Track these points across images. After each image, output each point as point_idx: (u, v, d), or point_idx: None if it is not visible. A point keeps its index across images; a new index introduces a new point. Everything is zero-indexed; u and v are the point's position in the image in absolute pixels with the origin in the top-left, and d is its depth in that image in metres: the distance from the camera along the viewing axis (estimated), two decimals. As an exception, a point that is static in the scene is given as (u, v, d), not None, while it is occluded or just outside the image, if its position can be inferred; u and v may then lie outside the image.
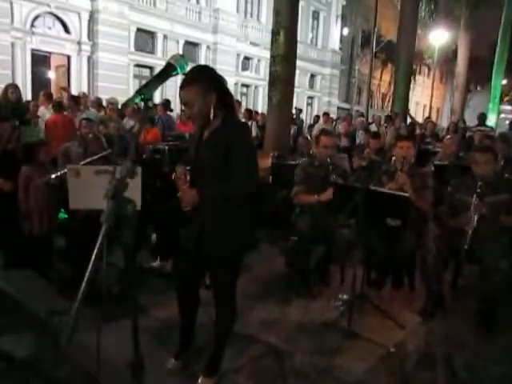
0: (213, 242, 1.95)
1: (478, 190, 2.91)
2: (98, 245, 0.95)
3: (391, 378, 2.32)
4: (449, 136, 5.49)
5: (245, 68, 19.23)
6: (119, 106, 6.75)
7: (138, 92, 1.10)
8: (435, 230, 3.07)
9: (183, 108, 1.90)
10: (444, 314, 3.04)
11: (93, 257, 0.95)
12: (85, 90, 13.37)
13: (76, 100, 6.23)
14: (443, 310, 3.06)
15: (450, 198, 3.15)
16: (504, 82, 18.72)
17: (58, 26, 13.35)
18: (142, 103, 1.07)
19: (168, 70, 1.20)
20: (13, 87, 5.73)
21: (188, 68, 1.22)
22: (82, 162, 3.34)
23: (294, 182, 3.47)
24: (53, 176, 3.22)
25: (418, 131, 8.69)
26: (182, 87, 1.85)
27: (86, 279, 0.93)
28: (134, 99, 1.10)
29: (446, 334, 2.81)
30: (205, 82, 1.85)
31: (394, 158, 3.39)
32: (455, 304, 3.21)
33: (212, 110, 1.85)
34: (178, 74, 1.21)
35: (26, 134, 4.66)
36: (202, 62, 17.04)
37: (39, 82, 12.71)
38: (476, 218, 2.87)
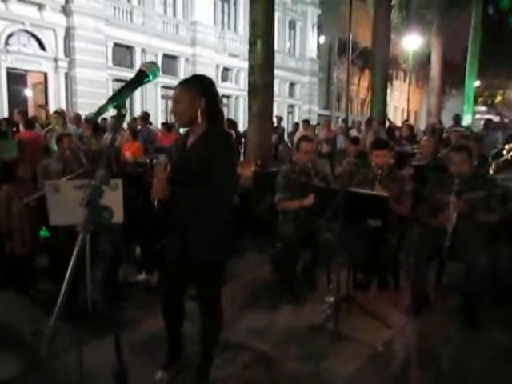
0: (197, 250, 1.95)
1: (456, 188, 2.98)
2: (74, 255, 0.95)
3: (380, 377, 2.34)
4: (425, 137, 5.62)
5: (224, 79, 19.35)
6: (99, 121, 6.71)
7: (111, 100, 1.11)
8: (416, 229, 3.13)
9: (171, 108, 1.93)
10: (429, 311, 3.08)
11: (69, 268, 0.94)
12: (63, 106, 13.27)
13: (63, 116, 6.13)
14: (428, 308, 3.11)
15: (429, 198, 3.21)
16: (477, 83, 19.27)
17: (34, 43, 13.21)
18: (116, 111, 1.08)
19: (140, 77, 1.21)
20: None
21: (159, 75, 1.23)
22: (63, 179, 3.31)
23: (277, 188, 3.49)
24: (34, 197, 3.18)
25: (397, 134, 8.87)
26: (178, 85, 1.93)
27: (64, 288, 0.91)
28: (106, 107, 1.10)
29: (431, 332, 2.85)
30: (198, 86, 1.92)
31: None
32: (440, 302, 3.26)
33: (199, 115, 1.89)
34: (149, 81, 1.22)
35: (3, 148, 4.58)
36: (182, 74, 17.09)
37: (16, 100, 12.52)
38: (455, 216, 2.94)
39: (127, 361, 2.17)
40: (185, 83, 1.94)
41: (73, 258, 0.95)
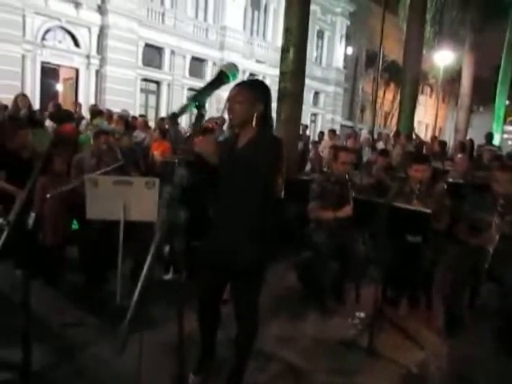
0: (243, 253, 1.92)
1: (499, 209, 2.89)
2: (151, 253, 0.92)
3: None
4: (459, 155, 5.50)
5: (250, 84, 19.42)
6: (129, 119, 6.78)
7: (193, 99, 1.09)
8: (455, 248, 3.04)
9: (226, 105, 1.89)
10: (464, 333, 2.98)
11: (145, 269, 0.92)
12: (92, 102, 13.52)
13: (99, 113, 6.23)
14: (462, 330, 3.01)
15: (469, 216, 3.12)
16: (507, 102, 18.86)
17: (68, 39, 13.55)
18: (196, 110, 1.06)
19: (220, 78, 1.20)
20: (22, 96, 5.80)
21: (238, 76, 1.22)
22: (98, 172, 3.34)
23: (310, 197, 3.44)
24: (59, 190, 3.20)
25: (424, 151, 8.72)
26: (239, 85, 1.91)
27: (138, 291, 0.89)
28: (188, 106, 1.09)
29: (466, 355, 2.75)
30: (260, 91, 1.92)
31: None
32: (475, 324, 3.15)
33: (254, 119, 1.88)
34: (229, 81, 1.21)
35: (38, 138, 4.65)
36: (208, 77, 17.25)
37: (47, 94, 12.83)
38: (497, 237, 2.84)
39: (155, 361, 2.17)
40: (246, 85, 1.93)
41: (148, 258, 0.92)
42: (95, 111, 6.02)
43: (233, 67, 1.21)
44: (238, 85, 1.91)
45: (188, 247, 3.45)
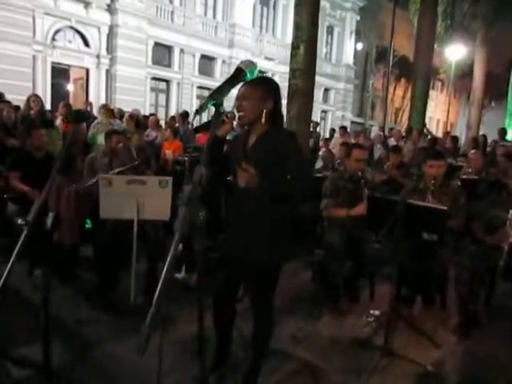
0: (260, 251, 1.91)
1: (516, 206, 2.85)
2: (171, 252, 0.92)
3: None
4: (473, 151, 5.41)
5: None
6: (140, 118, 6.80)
7: (211, 97, 1.09)
8: (471, 246, 2.99)
9: (236, 104, 1.89)
10: (479, 332, 2.94)
11: (166, 265, 0.92)
12: (103, 101, 13.61)
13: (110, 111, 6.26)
14: (478, 329, 2.97)
15: (485, 214, 3.07)
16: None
17: (78, 39, 13.64)
18: (214, 108, 1.05)
19: (238, 75, 1.19)
20: (34, 97, 5.86)
21: (256, 73, 1.20)
22: (112, 172, 3.35)
23: (324, 194, 3.42)
24: (82, 186, 3.24)
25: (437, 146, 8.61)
26: (247, 82, 1.86)
27: (158, 291, 0.89)
28: (206, 104, 1.08)
29: (483, 355, 2.71)
30: (270, 89, 1.91)
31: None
32: (490, 323, 3.11)
33: (264, 115, 1.87)
34: (246, 79, 1.19)
35: (52, 137, 4.70)
36: (218, 75, 17.25)
37: (58, 94, 12.94)
38: (513, 234, 2.80)
39: (169, 360, 2.17)
40: (255, 82, 1.91)
41: (168, 258, 0.92)
42: (107, 110, 6.06)
43: (251, 64, 1.20)
44: (246, 82, 1.89)
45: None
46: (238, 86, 1.72)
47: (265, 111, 1.87)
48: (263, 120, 1.88)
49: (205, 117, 12.41)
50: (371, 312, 3.04)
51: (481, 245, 3.01)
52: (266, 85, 1.92)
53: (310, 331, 2.88)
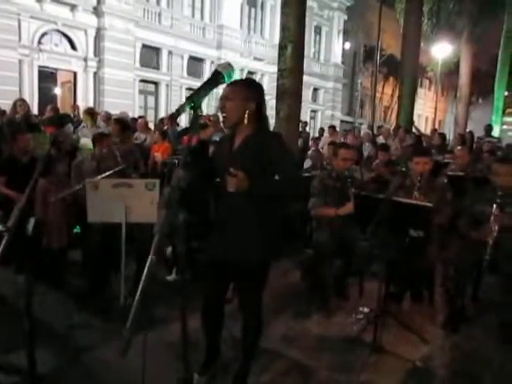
0: (247, 251, 1.92)
1: (499, 201, 2.88)
2: (150, 256, 0.93)
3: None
4: (459, 147, 5.47)
5: (248, 82, 19.39)
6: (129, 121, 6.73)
7: (189, 99, 1.09)
8: (456, 242, 3.03)
9: (220, 105, 1.92)
10: (467, 327, 2.98)
11: (145, 271, 0.92)
12: (91, 105, 13.51)
13: (93, 114, 6.22)
14: (466, 324, 3.01)
15: (470, 210, 3.11)
16: (506, 93, 18.80)
17: (65, 42, 13.53)
18: (192, 111, 1.06)
19: (216, 78, 1.19)
20: (21, 101, 5.82)
21: (234, 76, 1.21)
22: (99, 177, 3.34)
23: (311, 194, 3.43)
24: (72, 190, 3.22)
25: (424, 144, 8.69)
26: (230, 84, 1.88)
27: (139, 293, 0.89)
28: (184, 107, 1.09)
29: (471, 349, 2.75)
30: (252, 90, 1.92)
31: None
32: (477, 317, 3.15)
33: (246, 117, 1.88)
34: (224, 81, 1.20)
35: (39, 141, 4.65)
36: (206, 77, 17.19)
37: (46, 98, 12.81)
38: (496, 229, 2.84)
39: (160, 362, 2.17)
40: (238, 83, 1.93)
41: (149, 259, 0.92)
42: (91, 114, 6.03)
43: (228, 67, 1.20)
44: (229, 84, 1.91)
45: (189, 248, 3.46)
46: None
47: (247, 112, 1.88)
48: (246, 121, 1.88)
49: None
50: (360, 309, 3.06)
51: (466, 240, 3.04)
52: (248, 86, 1.93)
53: (300, 330, 2.89)
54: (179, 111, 1.09)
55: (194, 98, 1.10)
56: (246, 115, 1.88)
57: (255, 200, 1.88)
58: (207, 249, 2.12)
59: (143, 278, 0.94)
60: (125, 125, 5.55)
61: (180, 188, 0.99)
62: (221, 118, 1.88)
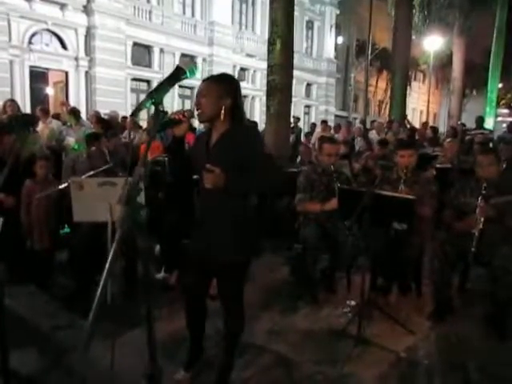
0: (222, 249, 1.93)
1: (483, 192, 2.90)
2: (112, 251, 0.93)
3: (403, 384, 2.29)
4: (449, 140, 5.50)
5: (241, 79, 19.36)
6: (119, 120, 6.74)
7: (149, 96, 1.10)
8: (442, 234, 3.05)
9: (195, 101, 1.92)
10: (453, 318, 3.01)
11: (107, 264, 0.93)
12: (83, 104, 13.47)
13: (76, 113, 6.23)
14: (452, 315, 3.03)
15: (455, 202, 3.13)
16: (500, 85, 18.84)
17: (56, 42, 13.44)
18: (153, 107, 1.06)
19: (177, 74, 1.19)
20: (10, 101, 5.80)
21: (197, 72, 1.21)
22: (85, 176, 3.33)
23: (297, 189, 3.45)
24: (45, 193, 3.20)
25: (417, 137, 8.71)
26: (205, 79, 1.92)
27: (101, 286, 0.90)
28: (144, 103, 1.09)
29: (456, 339, 2.77)
30: (227, 85, 1.91)
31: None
32: (464, 308, 3.18)
33: (222, 112, 1.87)
34: (186, 77, 1.20)
35: (29, 141, 4.64)
36: (199, 74, 17.16)
37: (38, 98, 12.74)
38: (482, 220, 2.86)
39: (147, 359, 2.18)
40: (214, 79, 1.93)
41: (110, 254, 0.93)
42: (73, 112, 6.04)
43: (190, 63, 1.20)
44: (204, 80, 1.91)
45: (179, 246, 3.46)
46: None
47: (223, 108, 1.87)
48: (222, 117, 1.88)
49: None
50: (347, 303, 3.08)
51: (450, 231, 3.07)
52: (224, 82, 1.92)
53: (286, 324, 2.90)
54: (139, 108, 1.09)
55: (154, 94, 1.10)
56: (223, 111, 1.87)
57: (230, 197, 1.88)
58: (189, 244, 2.13)
59: (104, 273, 0.95)
60: (106, 124, 5.55)
61: (140, 186, 1.00)
62: (195, 114, 1.88)
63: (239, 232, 1.93)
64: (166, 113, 1.13)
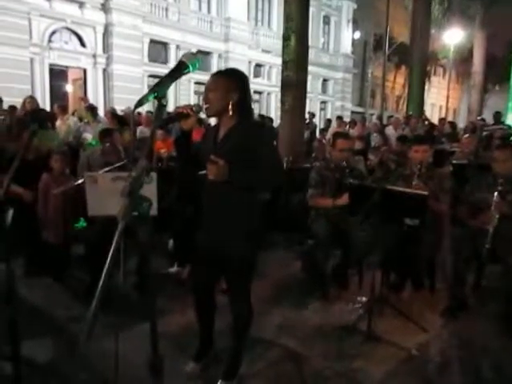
0: (228, 244, 1.95)
1: (499, 188, 2.84)
2: (114, 243, 0.95)
3: (414, 381, 2.26)
4: (466, 135, 5.39)
5: (257, 75, 19.33)
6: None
7: (152, 90, 1.11)
8: (456, 230, 3.00)
9: (203, 96, 1.93)
10: (467, 315, 2.96)
11: (109, 257, 0.95)
12: (101, 101, 13.67)
13: (93, 110, 6.34)
14: (466, 312, 2.98)
15: (470, 198, 3.07)
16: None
17: (75, 40, 13.68)
18: (156, 101, 1.08)
19: (180, 68, 1.20)
20: (29, 98, 5.92)
21: (199, 66, 1.22)
22: (100, 171, 3.39)
23: (309, 185, 3.43)
24: (69, 185, 3.27)
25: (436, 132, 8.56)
26: (214, 74, 1.92)
27: (103, 278, 0.92)
28: (147, 97, 1.10)
29: (469, 337, 2.73)
30: (235, 80, 1.91)
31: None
32: (479, 305, 3.12)
33: (230, 107, 1.87)
34: (189, 71, 1.21)
35: (47, 137, 4.72)
36: (215, 70, 17.18)
37: (57, 96, 13.01)
38: (497, 217, 2.80)
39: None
40: (221, 73, 1.94)
41: (112, 247, 0.95)
42: (90, 109, 6.13)
43: (193, 57, 1.21)
44: (213, 74, 1.92)
45: (192, 240, 3.49)
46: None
47: (231, 103, 1.87)
48: (230, 112, 1.88)
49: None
50: (358, 299, 3.06)
51: (465, 228, 3.01)
52: (232, 76, 1.92)
53: (297, 319, 2.91)
54: (141, 102, 1.10)
55: (157, 88, 1.11)
56: (230, 106, 1.88)
57: (236, 191, 1.88)
58: (197, 240, 2.15)
59: (106, 265, 0.97)
60: (120, 119, 5.63)
61: (143, 178, 1.02)
62: (203, 108, 1.88)
63: (242, 226, 1.94)
64: (165, 106, 1.14)
